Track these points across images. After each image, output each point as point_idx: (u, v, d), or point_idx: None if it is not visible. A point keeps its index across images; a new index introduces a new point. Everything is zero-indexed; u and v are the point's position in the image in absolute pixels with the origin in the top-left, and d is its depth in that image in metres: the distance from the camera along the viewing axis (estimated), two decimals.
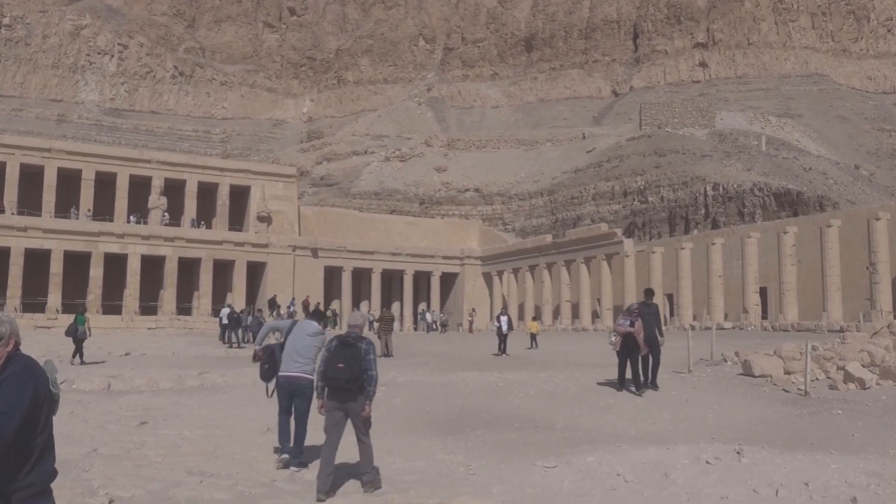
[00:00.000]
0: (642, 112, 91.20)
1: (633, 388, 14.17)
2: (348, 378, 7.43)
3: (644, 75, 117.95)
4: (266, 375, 9.03)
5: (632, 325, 13.91)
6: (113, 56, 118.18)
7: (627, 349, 13.99)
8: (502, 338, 25.45)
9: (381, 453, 9.92)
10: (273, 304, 42.43)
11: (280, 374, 8.81)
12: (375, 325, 31.18)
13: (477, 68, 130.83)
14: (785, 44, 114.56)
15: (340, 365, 7.46)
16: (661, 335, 14.92)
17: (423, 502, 7.35)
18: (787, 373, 15.42)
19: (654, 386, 14.51)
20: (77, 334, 22.63)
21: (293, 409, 8.81)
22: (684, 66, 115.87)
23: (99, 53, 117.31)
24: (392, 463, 9.32)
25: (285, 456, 8.81)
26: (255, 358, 9.25)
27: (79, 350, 22.80)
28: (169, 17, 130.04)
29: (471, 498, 7.42)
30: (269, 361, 8.95)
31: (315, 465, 8.24)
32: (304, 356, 8.71)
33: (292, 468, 8.69)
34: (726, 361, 17.91)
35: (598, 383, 15.38)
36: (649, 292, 15.45)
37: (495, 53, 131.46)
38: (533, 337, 28.64)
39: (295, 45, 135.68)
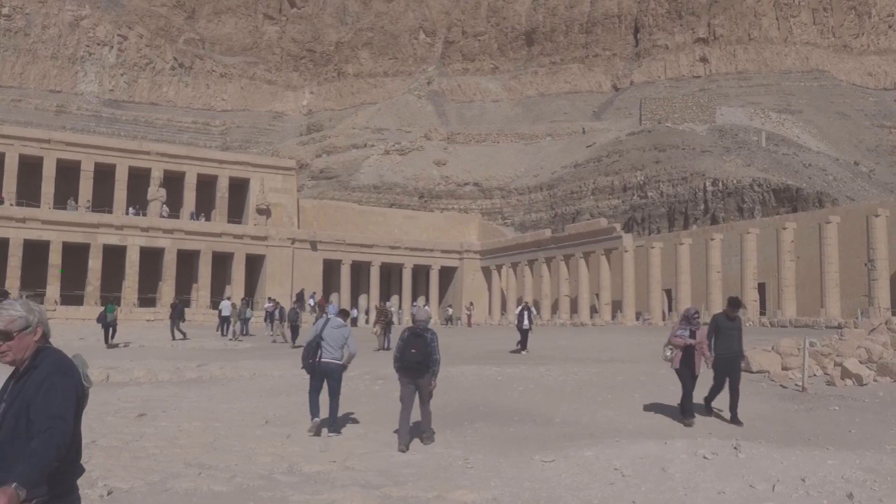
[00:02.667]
0: (642, 107, 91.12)
1: (686, 418, 11.51)
2: (420, 360, 9.67)
3: (644, 70, 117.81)
4: (310, 368, 10.84)
5: (692, 335, 11.39)
6: (112, 47, 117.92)
7: (690, 366, 11.47)
8: (523, 333, 23.37)
9: (379, 446, 9.96)
10: (301, 297, 43.06)
11: (317, 360, 10.75)
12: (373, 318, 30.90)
13: (477, 62, 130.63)
14: (786, 39, 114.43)
15: (413, 350, 9.66)
16: (742, 356, 12.27)
17: (421, 495, 7.37)
18: (785, 369, 15.46)
19: (737, 420, 11.44)
20: (107, 321, 25.91)
21: (328, 388, 10.77)
22: (685, 61, 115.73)
23: (98, 44, 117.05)
24: (390, 456, 9.35)
25: (317, 420, 10.65)
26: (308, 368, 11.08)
27: (108, 335, 26.11)
28: (168, 9, 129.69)
29: (469, 491, 7.44)
30: (312, 357, 10.76)
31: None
32: (334, 346, 10.72)
33: (326, 433, 10.54)
34: None
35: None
36: (735, 303, 12.10)
37: (496, 47, 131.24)
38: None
39: (295, 38, 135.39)
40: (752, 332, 29.56)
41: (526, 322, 23.22)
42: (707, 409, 12.02)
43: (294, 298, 43.06)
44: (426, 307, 11.75)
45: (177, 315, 30.42)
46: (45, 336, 3.44)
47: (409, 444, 9.74)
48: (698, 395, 11.96)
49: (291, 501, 7.18)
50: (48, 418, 3.17)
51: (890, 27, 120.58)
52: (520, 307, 24.63)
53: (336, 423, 10.88)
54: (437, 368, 9.97)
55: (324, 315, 11.54)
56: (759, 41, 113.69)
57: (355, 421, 11.86)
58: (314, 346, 10.74)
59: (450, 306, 51.83)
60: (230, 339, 30.70)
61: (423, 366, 9.74)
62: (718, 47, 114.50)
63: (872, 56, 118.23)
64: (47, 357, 3.35)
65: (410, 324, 10.44)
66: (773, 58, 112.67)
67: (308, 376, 11.19)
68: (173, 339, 29.32)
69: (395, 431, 10.27)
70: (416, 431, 10.20)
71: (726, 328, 11.73)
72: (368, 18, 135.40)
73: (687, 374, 11.48)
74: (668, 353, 11.61)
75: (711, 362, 11.59)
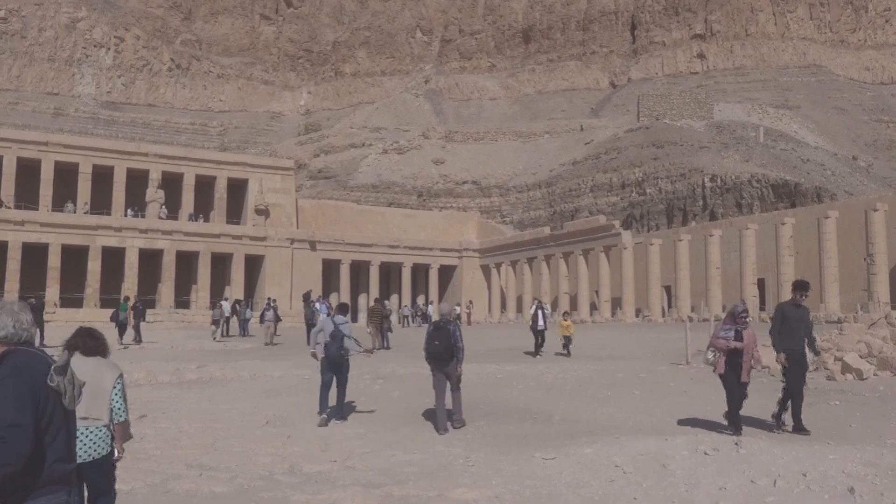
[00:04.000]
0: (640, 104, 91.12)
1: (735, 431, 9.84)
2: (441, 350, 10.84)
3: (642, 67, 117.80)
4: (335, 358, 11.81)
5: (738, 335, 9.85)
6: (109, 49, 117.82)
7: (737, 371, 9.87)
8: (538, 335, 21.80)
9: (380, 446, 9.95)
10: (307, 297, 43.42)
11: (327, 354, 11.75)
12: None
13: (474, 60, 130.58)
14: (783, 34, 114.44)
15: (436, 342, 10.87)
16: (816, 352, 10.59)
17: (422, 494, 7.36)
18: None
19: (801, 429, 9.87)
20: (119, 319, 27.10)
21: (338, 380, 11.73)
22: (682, 57, 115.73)
23: (95, 46, 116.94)
24: (391, 455, 9.33)
25: (324, 415, 11.50)
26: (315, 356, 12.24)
27: (122, 333, 27.14)
28: (165, 10, 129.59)
29: (469, 490, 7.43)
30: (341, 348, 11.80)
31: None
32: (340, 342, 11.70)
33: (335, 420, 11.49)
34: None
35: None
36: (802, 286, 10.24)
37: (493, 45, 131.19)
38: (567, 340, 22.21)
39: (292, 38, 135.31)
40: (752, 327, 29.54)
41: (541, 322, 21.61)
42: (777, 423, 10.25)
43: (308, 300, 43.31)
44: (447, 303, 13.12)
45: (138, 315, 28.59)
46: (11, 343, 3.31)
47: (447, 427, 10.83)
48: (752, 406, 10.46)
49: (292, 502, 7.17)
50: (1, 429, 3.01)
51: (887, 21, 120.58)
52: (534, 306, 22.80)
53: (343, 410, 11.91)
54: (462, 356, 11.17)
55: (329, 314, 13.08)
56: (756, 37, 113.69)
57: (356, 420, 11.86)
58: (339, 340, 11.74)
59: (458, 304, 51.80)
60: (215, 340, 29.93)
61: (448, 354, 10.92)
62: (715, 43, 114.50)
63: (870, 50, 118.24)
64: (9, 361, 3.22)
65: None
66: (770, 53, 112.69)
67: (315, 374, 12.30)
68: (121, 341, 26.51)
69: (427, 415, 11.74)
70: (450, 415, 11.31)
71: (794, 319, 9.95)
72: (365, 17, 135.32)
73: (733, 380, 9.88)
74: (710, 356, 10.14)
75: (781, 362, 9.92)
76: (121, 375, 5.14)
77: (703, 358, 10.43)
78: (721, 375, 9.99)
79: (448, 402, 11.15)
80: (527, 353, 22.21)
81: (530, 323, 22.23)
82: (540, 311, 21.73)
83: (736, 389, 9.89)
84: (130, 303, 29.91)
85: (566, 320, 22.60)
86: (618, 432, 10.16)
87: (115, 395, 5.00)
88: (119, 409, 5.02)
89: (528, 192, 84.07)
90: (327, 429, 11.13)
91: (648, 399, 13.08)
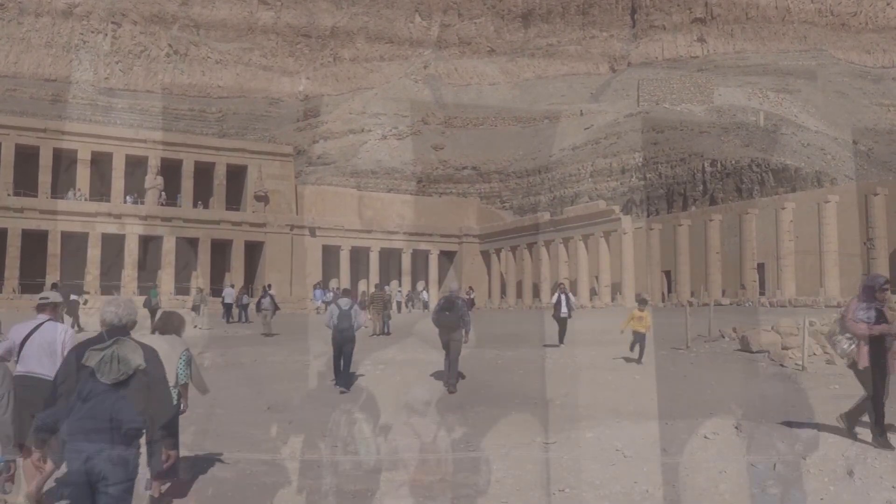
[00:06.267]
0: (640, 88, 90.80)
1: (881, 439, 7.60)
2: (453, 320, 13.03)
3: (642, 51, 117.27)
4: (340, 336, 13.64)
5: (880, 317, 7.48)
6: (107, 35, 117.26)
7: (881, 364, 7.56)
8: (561, 322, 19.44)
9: (381, 430, 9.98)
10: (318, 288, 44.25)
11: (337, 332, 13.42)
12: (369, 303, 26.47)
13: (474, 45, 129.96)
14: (783, 18, 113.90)
15: (447, 313, 13.10)
16: None
17: (423, 479, 7.39)
18: (785, 348, 15.49)
19: None
20: (151, 305, 28.29)
21: (345, 355, 13.49)
22: (682, 41, 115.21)
23: (92, 32, 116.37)
24: (392, 440, 9.37)
25: (341, 386, 13.22)
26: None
27: (153, 318, 28.05)
28: None
29: (471, 474, 7.47)
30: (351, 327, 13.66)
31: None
32: (348, 321, 13.46)
33: (340, 391, 13.11)
34: (724, 337, 17.99)
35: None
36: None
37: (492, 30, 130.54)
38: (640, 339, 16.14)
39: (290, 23, 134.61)
40: (751, 312, 29.61)
41: (564, 309, 19.34)
42: None
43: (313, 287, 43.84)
44: (452, 285, 15.13)
45: (72, 308, 25.51)
46: (108, 325, 4.59)
47: (455, 387, 12.89)
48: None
49: (294, 486, 7.21)
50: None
51: (888, 4, 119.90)
52: (557, 292, 20.32)
53: (348, 380, 13.55)
54: (469, 327, 13.27)
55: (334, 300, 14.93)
56: (756, 20, 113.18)
57: (357, 404, 11.88)
58: (348, 319, 13.52)
59: (471, 288, 51.78)
60: (195, 327, 27.30)
61: (456, 324, 13.02)
62: (716, 27, 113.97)
63: (870, 34, 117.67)
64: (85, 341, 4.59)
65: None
66: (770, 37, 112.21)
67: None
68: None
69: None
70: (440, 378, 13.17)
71: None
72: (364, 2, 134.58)
73: (880, 375, 7.56)
74: (846, 346, 7.64)
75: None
76: (186, 349, 6.98)
77: (837, 349, 7.78)
78: (865, 370, 7.53)
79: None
80: (547, 345, 19.78)
81: (553, 312, 19.85)
82: (563, 297, 19.63)
83: (883, 387, 7.60)
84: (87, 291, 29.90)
85: (642, 309, 16.65)
86: (618, 416, 10.19)
87: (180, 363, 6.79)
88: (182, 374, 6.81)
89: (527, 178, 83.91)
90: (329, 413, 11.18)
91: (649, 383, 13.12)
